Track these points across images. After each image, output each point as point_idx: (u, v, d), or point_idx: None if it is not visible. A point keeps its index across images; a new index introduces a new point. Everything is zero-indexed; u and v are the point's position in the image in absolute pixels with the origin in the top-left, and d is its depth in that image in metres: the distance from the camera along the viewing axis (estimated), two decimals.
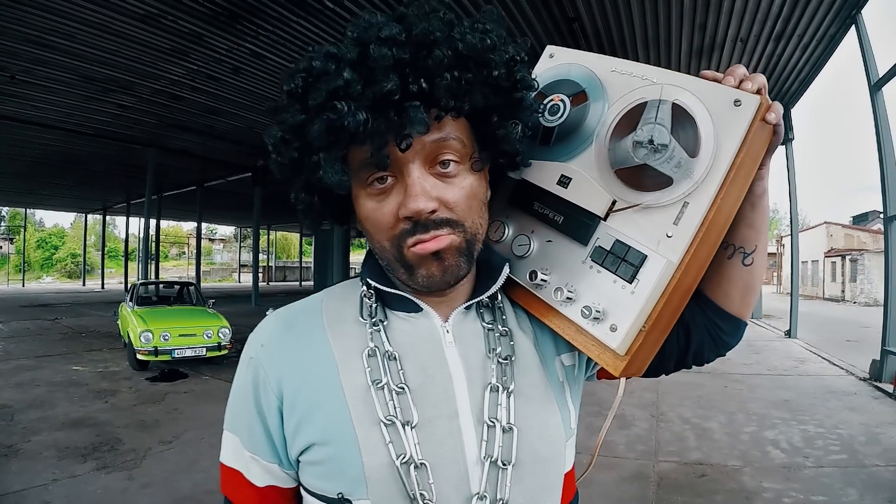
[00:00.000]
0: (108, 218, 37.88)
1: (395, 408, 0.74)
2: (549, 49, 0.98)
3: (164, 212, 27.30)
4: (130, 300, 10.77)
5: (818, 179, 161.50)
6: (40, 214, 64.19)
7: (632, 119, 0.80)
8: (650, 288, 0.75)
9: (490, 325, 0.85)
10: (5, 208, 53.56)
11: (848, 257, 32.43)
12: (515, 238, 0.90)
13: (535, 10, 8.21)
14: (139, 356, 8.78)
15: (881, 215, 8.73)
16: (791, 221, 14.55)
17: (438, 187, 0.74)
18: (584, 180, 0.83)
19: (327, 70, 0.70)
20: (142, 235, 21.10)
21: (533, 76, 0.88)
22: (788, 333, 14.01)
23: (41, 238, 58.09)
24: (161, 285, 12.67)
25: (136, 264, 34.98)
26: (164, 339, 8.86)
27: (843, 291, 33.14)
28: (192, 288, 11.99)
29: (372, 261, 0.85)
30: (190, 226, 55.44)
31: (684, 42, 9.48)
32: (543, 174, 0.88)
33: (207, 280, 48.92)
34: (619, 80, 0.86)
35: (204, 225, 37.02)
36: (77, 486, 4.49)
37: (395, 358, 0.78)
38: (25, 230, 44.63)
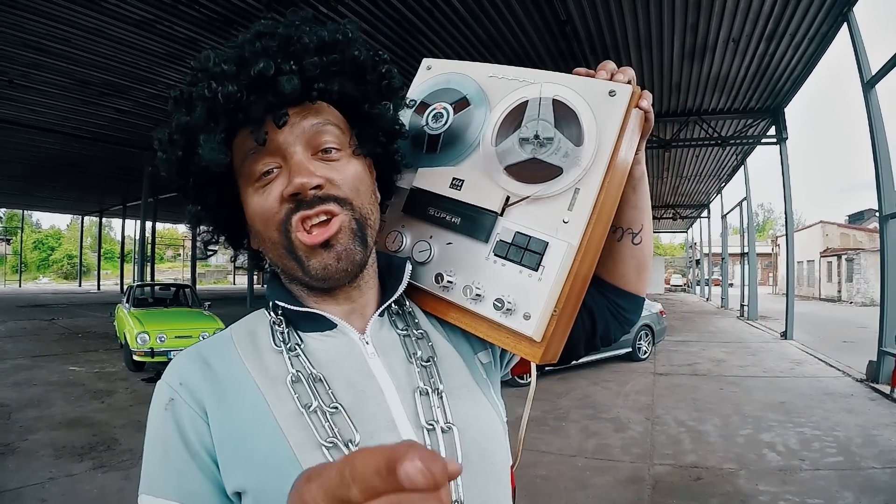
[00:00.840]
0: (104, 220, 37.94)
1: (332, 429, 0.71)
2: (426, 62, 1.02)
3: (159, 214, 27.24)
4: (127, 302, 10.76)
5: (813, 178, 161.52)
6: (37, 216, 63.86)
7: (514, 118, 0.85)
8: (556, 272, 0.78)
9: (405, 331, 0.85)
10: (2, 210, 53.46)
11: (844, 257, 32.38)
12: (415, 245, 0.90)
13: (526, 12, 8.25)
14: (135, 357, 8.80)
15: (877, 214, 8.74)
16: (786, 221, 14.54)
17: (323, 168, 0.75)
18: (476, 180, 0.86)
19: (207, 67, 0.72)
20: (138, 237, 21.06)
21: (411, 89, 0.94)
22: (784, 335, 14.05)
23: (38, 239, 58.00)
24: (157, 287, 12.68)
25: (131, 266, 34.94)
26: (161, 341, 8.85)
27: (839, 291, 33.11)
28: (188, 290, 12.00)
29: (275, 282, 0.84)
30: (185, 228, 55.39)
31: (676, 43, 9.52)
32: (435, 179, 0.90)
33: (202, 282, 48.88)
34: (498, 84, 0.90)
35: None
36: (73, 484, 4.52)
37: (321, 379, 0.76)
38: (22, 231, 44.62)
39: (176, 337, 9.03)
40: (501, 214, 0.84)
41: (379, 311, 0.84)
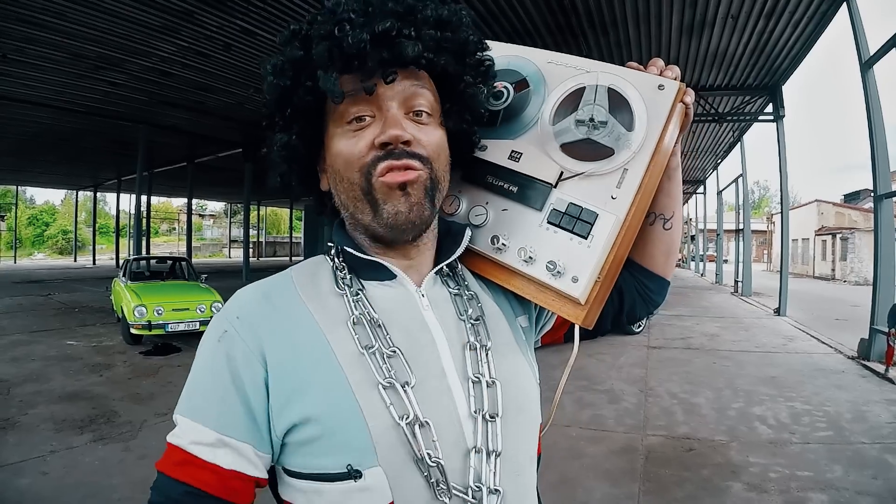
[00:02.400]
0: (98, 194, 37.68)
1: (389, 371, 0.76)
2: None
3: (154, 188, 27.10)
4: (124, 275, 10.78)
5: (810, 157, 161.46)
6: (31, 192, 63.75)
7: (572, 102, 0.93)
8: (604, 241, 0.86)
9: (456, 291, 0.91)
10: None
11: (839, 236, 32.42)
12: (471, 209, 0.97)
13: None
14: (133, 330, 8.85)
15: (872, 194, 8.77)
16: (781, 199, 14.56)
17: (412, 127, 0.81)
18: (534, 154, 0.94)
19: (334, 10, 0.78)
20: (133, 212, 21.01)
21: None
22: (778, 311, 14.15)
23: (32, 215, 57.75)
24: (154, 260, 12.66)
25: (126, 240, 34.85)
26: (158, 314, 8.91)
27: (833, 270, 33.20)
28: (184, 263, 12.01)
29: (341, 231, 0.90)
30: (180, 201, 55.15)
31: (675, 18, 9.43)
32: (494, 151, 0.97)
33: (198, 255, 48.81)
34: (556, 70, 0.98)
35: (194, 201, 36.82)
36: (74, 457, 4.56)
37: (380, 324, 0.80)
38: (17, 207, 44.39)
39: (173, 310, 9.11)
40: (555, 187, 0.91)
41: (435, 269, 0.89)
